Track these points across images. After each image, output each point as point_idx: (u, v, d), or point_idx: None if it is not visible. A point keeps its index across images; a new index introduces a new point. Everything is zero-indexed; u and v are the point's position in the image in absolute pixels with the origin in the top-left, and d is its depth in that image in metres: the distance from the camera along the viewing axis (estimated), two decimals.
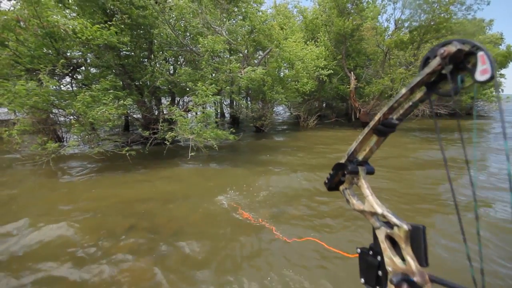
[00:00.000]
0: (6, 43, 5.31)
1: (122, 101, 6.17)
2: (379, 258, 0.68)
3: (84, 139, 6.11)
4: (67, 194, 4.90)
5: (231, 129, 7.73)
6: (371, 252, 0.71)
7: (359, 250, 0.75)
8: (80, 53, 7.07)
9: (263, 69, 8.37)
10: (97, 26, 6.15)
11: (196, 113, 6.59)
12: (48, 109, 5.56)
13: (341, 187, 0.78)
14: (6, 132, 4.59)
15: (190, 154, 6.67)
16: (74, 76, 7.66)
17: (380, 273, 0.68)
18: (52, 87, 5.50)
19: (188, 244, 3.26)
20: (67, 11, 7.22)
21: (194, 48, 7.50)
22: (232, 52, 13.30)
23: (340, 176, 0.77)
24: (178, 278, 2.69)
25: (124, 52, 8.58)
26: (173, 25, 8.19)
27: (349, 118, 15.32)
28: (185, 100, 9.79)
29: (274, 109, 15.82)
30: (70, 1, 7.15)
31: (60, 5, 6.60)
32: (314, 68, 12.81)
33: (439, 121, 15.26)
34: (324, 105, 22.64)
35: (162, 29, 7.55)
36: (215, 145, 6.64)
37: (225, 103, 17.66)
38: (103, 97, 5.72)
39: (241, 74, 8.18)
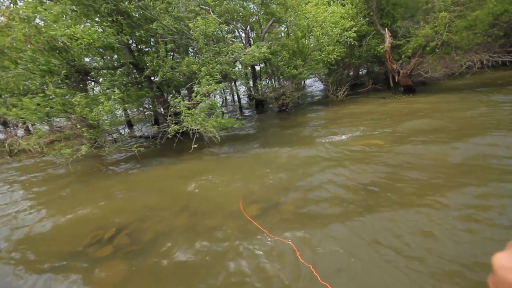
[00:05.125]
0: (18, 61, 5.87)
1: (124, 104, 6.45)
2: None
3: (99, 141, 6.62)
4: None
5: (237, 116, 7.44)
6: None
7: None
8: (90, 59, 7.51)
9: (268, 46, 7.66)
10: (94, 29, 6.36)
11: (190, 104, 6.47)
12: (58, 116, 6.12)
13: None
14: (25, 142, 5.24)
15: (193, 146, 6.69)
16: (95, 80, 8.25)
17: None
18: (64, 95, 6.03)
19: None
20: (89, 23, 7.58)
21: (187, 34, 7.23)
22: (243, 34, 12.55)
23: None
24: None
25: (141, 48, 8.80)
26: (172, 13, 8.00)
27: (387, 83, 13.32)
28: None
29: (298, 85, 14.70)
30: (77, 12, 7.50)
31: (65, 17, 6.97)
32: (339, 31, 11.27)
33: (499, 72, 11.93)
34: (365, 71, 20.27)
35: (160, 20, 7.43)
36: (217, 136, 6.45)
37: (251, 84, 17.20)
38: (101, 97, 5.96)
39: (244, 54, 7.66)
